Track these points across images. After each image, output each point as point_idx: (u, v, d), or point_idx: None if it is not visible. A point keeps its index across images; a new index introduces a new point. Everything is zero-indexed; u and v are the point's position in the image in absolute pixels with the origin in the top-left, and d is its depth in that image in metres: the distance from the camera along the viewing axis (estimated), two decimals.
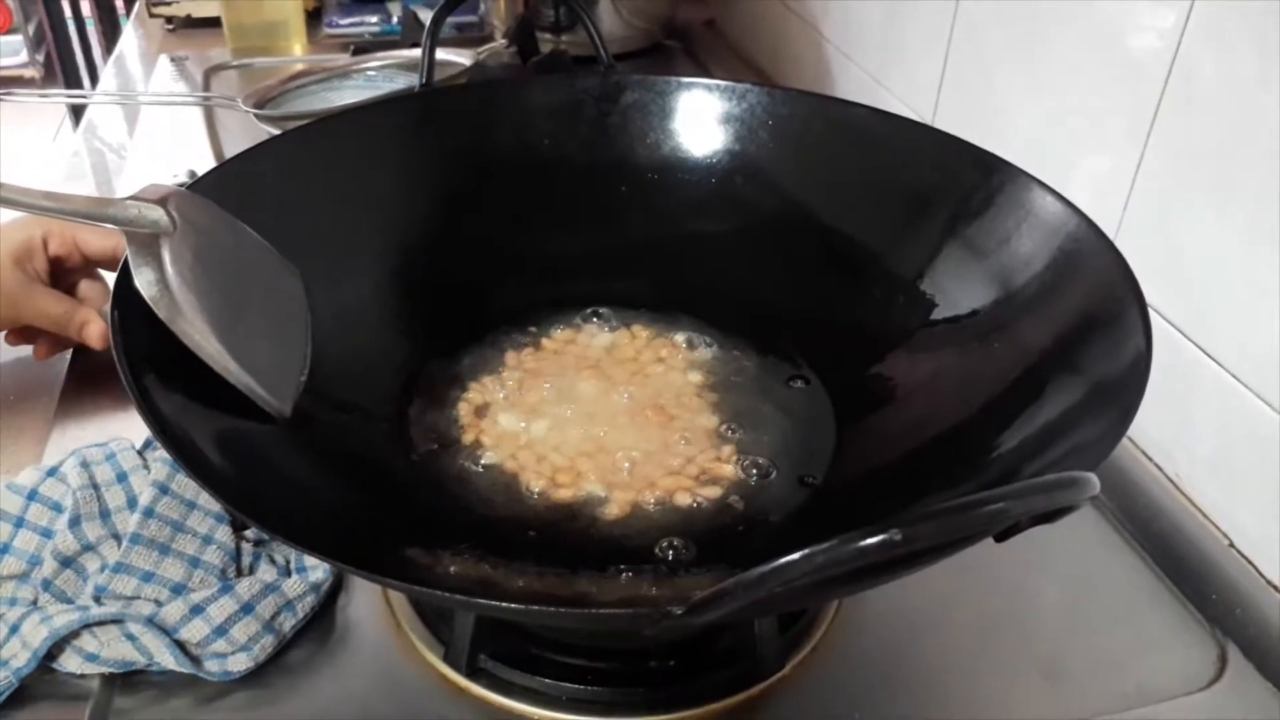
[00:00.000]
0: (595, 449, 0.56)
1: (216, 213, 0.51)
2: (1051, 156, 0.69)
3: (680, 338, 0.64)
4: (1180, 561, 0.59)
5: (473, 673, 0.51)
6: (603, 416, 0.58)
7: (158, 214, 0.46)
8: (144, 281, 0.46)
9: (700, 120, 0.68)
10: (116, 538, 0.54)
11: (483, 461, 0.56)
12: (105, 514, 0.54)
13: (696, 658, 0.52)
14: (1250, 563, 0.58)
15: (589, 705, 0.50)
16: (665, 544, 0.51)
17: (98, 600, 0.51)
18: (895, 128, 0.63)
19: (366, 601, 0.55)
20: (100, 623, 0.50)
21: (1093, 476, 0.31)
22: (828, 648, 0.54)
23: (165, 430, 0.41)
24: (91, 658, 0.50)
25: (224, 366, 0.47)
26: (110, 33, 1.93)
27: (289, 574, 0.54)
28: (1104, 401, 0.43)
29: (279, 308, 0.54)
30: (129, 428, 0.59)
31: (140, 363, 0.44)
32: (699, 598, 0.33)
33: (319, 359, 0.54)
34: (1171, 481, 0.63)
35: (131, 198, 0.47)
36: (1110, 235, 0.51)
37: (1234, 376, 0.57)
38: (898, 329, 0.58)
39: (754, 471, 0.55)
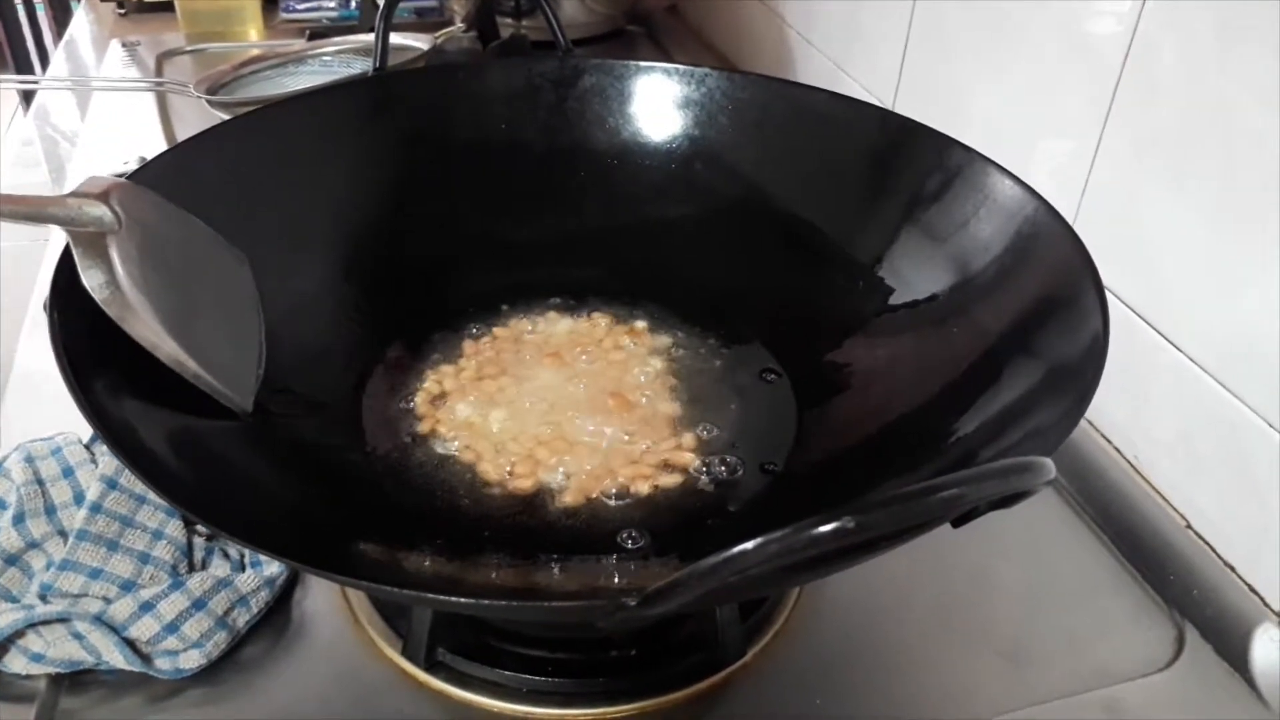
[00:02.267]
0: (554, 437, 0.56)
1: (160, 203, 0.50)
2: (1012, 140, 0.69)
3: (640, 324, 0.64)
4: (1139, 543, 0.60)
5: (431, 666, 0.51)
6: (562, 405, 0.58)
7: (100, 210, 0.44)
8: (93, 283, 0.44)
9: (659, 105, 0.67)
10: (63, 534, 0.52)
11: (440, 452, 0.55)
12: (51, 510, 0.53)
13: (658, 647, 0.51)
14: (1208, 544, 0.58)
15: (549, 697, 0.50)
16: (625, 534, 0.51)
17: (43, 598, 0.50)
18: (855, 112, 0.63)
19: (323, 595, 0.54)
20: (46, 621, 0.49)
21: (1048, 462, 0.31)
22: (789, 634, 0.54)
23: (107, 427, 0.40)
24: (37, 658, 0.49)
25: (180, 364, 0.46)
26: (61, 16, 1.89)
27: (243, 568, 0.53)
28: (1061, 385, 0.43)
29: (231, 299, 0.53)
30: (75, 421, 0.57)
31: (81, 359, 0.43)
32: (653, 589, 0.32)
33: (272, 349, 0.53)
34: (1130, 464, 0.63)
35: (72, 194, 0.45)
36: (1069, 219, 0.51)
37: (1192, 360, 0.58)
38: (856, 314, 0.58)
39: (715, 459, 0.55)
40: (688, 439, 0.56)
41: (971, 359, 0.50)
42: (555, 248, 0.67)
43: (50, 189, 1.09)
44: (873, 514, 0.29)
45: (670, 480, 0.54)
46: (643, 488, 0.53)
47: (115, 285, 0.44)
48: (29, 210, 0.44)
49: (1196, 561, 0.57)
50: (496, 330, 0.63)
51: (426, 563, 0.47)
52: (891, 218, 0.58)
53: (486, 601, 0.40)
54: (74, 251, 0.44)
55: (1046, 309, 0.48)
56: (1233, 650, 0.54)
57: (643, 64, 0.67)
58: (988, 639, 0.55)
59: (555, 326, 0.64)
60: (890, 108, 0.85)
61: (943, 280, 0.55)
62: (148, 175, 0.54)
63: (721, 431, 0.57)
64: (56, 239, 0.80)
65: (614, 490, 0.53)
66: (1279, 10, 0.49)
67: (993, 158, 0.55)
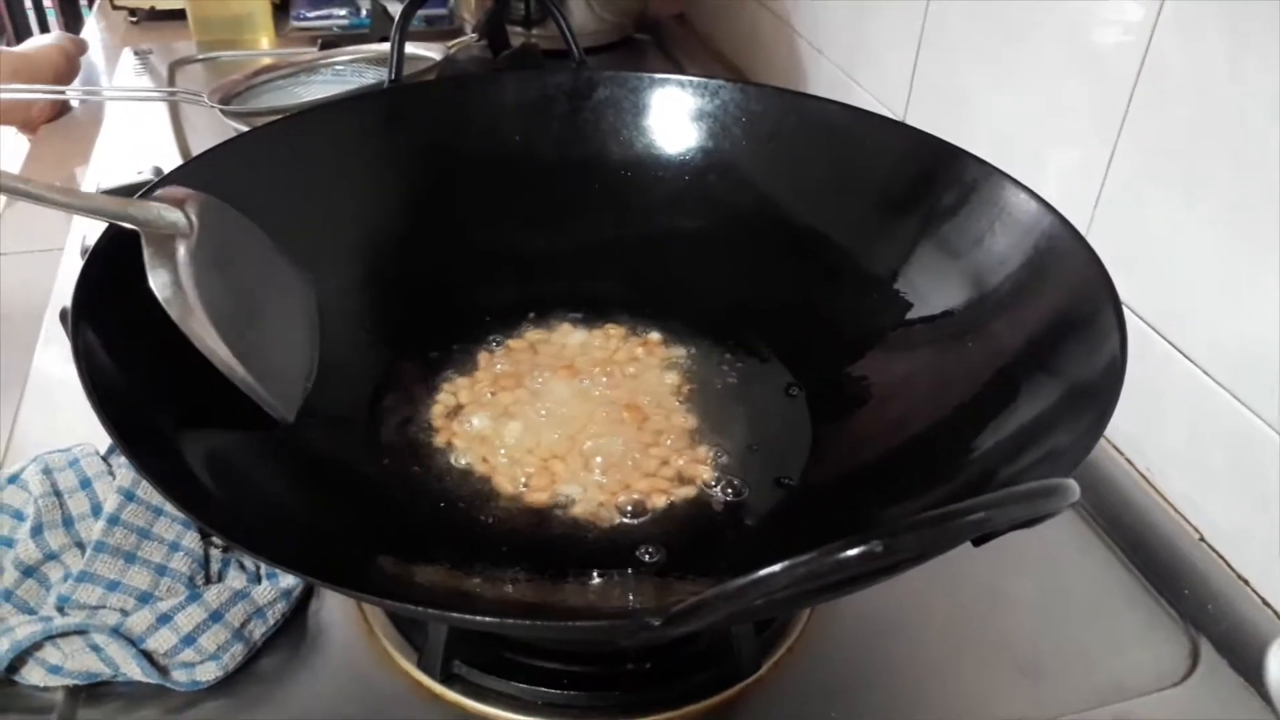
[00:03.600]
0: (569, 450, 0.56)
1: (235, 217, 0.51)
2: (1024, 152, 0.69)
3: (655, 336, 0.64)
4: (1152, 556, 0.60)
5: (447, 678, 0.51)
6: (577, 418, 0.58)
7: (176, 216, 0.47)
8: (158, 283, 0.46)
9: (673, 117, 0.67)
10: (80, 546, 0.53)
11: (455, 465, 0.55)
12: (68, 521, 0.53)
13: (673, 660, 0.51)
14: (1221, 557, 0.58)
15: (565, 709, 0.50)
16: (642, 549, 0.51)
17: (61, 610, 0.50)
18: (868, 125, 0.63)
19: (339, 608, 0.55)
20: (64, 633, 0.49)
21: (1073, 484, 0.31)
22: (804, 648, 0.54)
23: (126, 439, 0.40)
24: (55, 670, 0.49)
25: (231, 369, 0.47)
26: (72, 25, 1.90)
27: (259, 580, 0.53)
28: (1079, 405, 0.43)
29: (289, 313, 0.54)
30: (92, 432, 0.57)
31: (101, 371, 0.43)
32: (677, 609, 0.32)
33: None
34: (1143, 476, 0.63)
35: (152, 198, 0.47)
36: (1082, 230, 0.51)
37: (1204, 372, 0.58)
38: (873, 329, 0.58)
39: (730, 473, 0.55)
40: (702, 452, 0.56)
41: (988, 376, 0.50)
42: (569, 260, 0.67)
43: None
44: (901, 538, 0.29)
45: (685, 493, 0.54)
46: (658, 501, 0.53)
47: (179, 286, 0.46)
48: (113, 210, 0.46)
49: (1210, 575, 0.57)
50: (511, 342, 0.63)
51: (443, 577, 0.47)
52: (907, 232, 0.58)
53: (510, 620, 0.40)
54: (145, 251, 0.46)
55: (1064, 327, 0.48)
56: (1247, 664, 0.54)
57: (657, 76, 0.67)
58: (1002, 653, 0.55)
59: (569, 339, 0.64)
60: (901, 118, 0.85)
61: (959, 296, 0.55)
62: (169, 183, 0.54)
63: (737, 445, 0.57)
64: (70, 250, 0.81)
65: (630, 504, 0.53)
66: None
67: (1005, 169, 0.55)
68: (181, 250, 0.46)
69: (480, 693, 0.50)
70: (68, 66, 1.08)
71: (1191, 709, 0.52)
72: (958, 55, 0.77)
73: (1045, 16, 0.67)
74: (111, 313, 0.46)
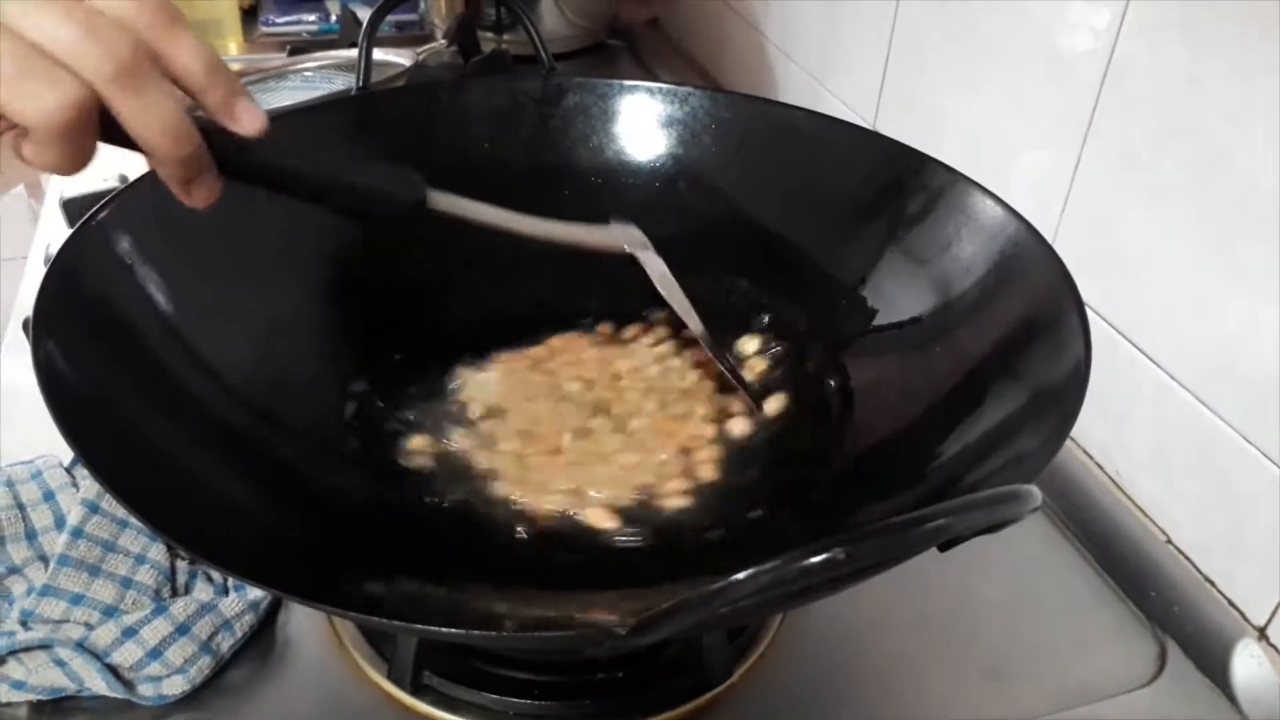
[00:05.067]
0: (539, 459, 0.55)
1: None
2: (992, 157, 0.70)
3: (625, 345, 0.64)
4: (1120, 559, 0.60)
5: (417, 690, 0.50)
6: (548, 427, 0.58)
7: None
8: None
9: (643, 123, 0.67)
10: (44, 559, 0.52)
11: (424, 476, 0.55)
12: (31, 535, 0.53)
13: (644, 669, 0.52)
14: (1188, 559, 0.59)
15: (536, 719, 0.50)
16: (610, 558, 0.51)
17: (24, 625, 0.50)
18: (836, 131, 0.63)
19: (308, 619, 0.54)
20: (27, 648, 0.49)
21: (1034, 490, 0.31)
22: (775, 655, 0.54)
23: (88, 451, 0.40)
24: (18, 685, 0.48)
25: None
26: None
27: (226, 592, 0.53)
28: (1044, 409, 0.43)
29: None
30: (57, 444, 0.57)
31: (62, 383, 0.42)
32: (644, 618, 0.32)
33: (255, 372, 0.53)
34: (1111, 479, 0.64)
35: None
36: (1049, 236, 0.51)
37: (1171, 376, 0.58)
38: (839, 335, 0.58)
39: (698, 480, 0.55)
40: (670, 460, 0.56)
41: (955, 381, 0.50)
42: (539, 267, 0.67)
43: (28, 201, 1.08)
44: (862, 545, 0.29)
45: (654, 503, 0.54)
46: (629, 510, 0.53)
47: None
48: None
49: (1177, 577, 0.58)
50: (480, 352, 0.63)
51: (411, 588, 0.47)
52: (874, 238, 0.59)
53: (478, 632, 0.40)
54: None
55: (1029, 332, 0.48)
56: (1213, 666, 0.54)
57: (626, 83, 0.67)
58: (971, 657, 0.55)
59: (540, 348, 0.63)
60: (871, 124, 0.85)
61: (926, 302, 0.55)
62: (131, 195, 0.53)
63: (705, 452, 0.57)
64: (35, 258, 0.80)
65: (597, 513, 0.53)
66: (1252, 33, 0.50)
67: (973, 174, 0.55)
68: None
69: (451, 704, 0.50)
70: None
71: (1159, 710, 0.53)
72: (927, 61, 0.78)
73: (1013, 22, 0.67)
74: (73, 323, 0.45)
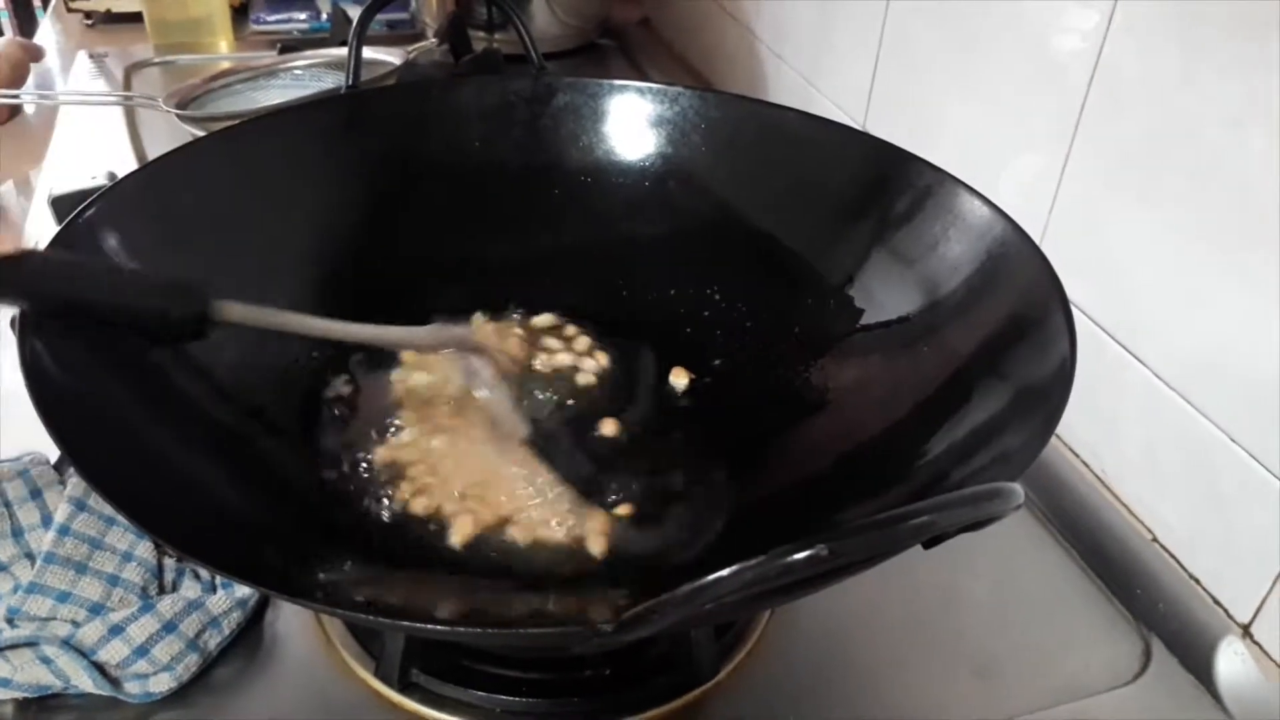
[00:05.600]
0: (524, 461, 0.55)
1: None
2: (980, 158, 0.70)
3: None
4: (1106, 557, 0.61)
5: (405, 687, 0.50)
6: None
7: None
8: None
9: (633, 123, 0.67)
10: (30, 557, 0.52)
11: (410, 473, 0.55)
12: (18, 532, 0.53)
13: (632, 666, 0.52)
14: (1174, 557, 0.59)
15: (524, 717, 0.50)
16: (594, 554, 0.51)
17: (10, 623, 0.50)
18: (824, 131, 0.63)
19: (295, 617, 0.54)
20: (13, 646, 0.48)
21: (1017, 487, 0.31)
22: (762, 652, 0.54)
23: (75, 448, 0.40)
24: (4, 682, 0.48)
25: None
26: (26, 28, 1.87)
27: (214, 590, 0.53)
28: (1029, 407, 0.43)
29: None
30: (42, 442, 0.57)
31: (48, 379, 0.42)
32: (629, 615, 0.32)
33: (244, 370, 0.53)
34: (1098, 478, 0.64)
35: None
36: (1037, 237, 0.52)
37: (1158, 376, 0.58)
38: (827, 335, 0.58)
39: (683, 479, 0.55)
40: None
41: (941, 380, 0.50)
42: (529, 266, 0.67)
43: (15, 201, 1.08)
44: (846, 542, 0.29)
45: (637, 502, 0.54)
46: (616, 510, 0.53)
47: None
48: None
49: (1163, 575, 0.58)
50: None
51: (399, 585, 0.47)
52: (862, 238, 0.59)
53: (464, 629, 0.40)
54: None
55: (1015, 331, 0.48)
56: (1198, 663, 0.55)
57: (616, 82, 0.67)
58: (957, 654, 0.55)
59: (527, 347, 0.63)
60: (861, 124, 0.86)
61: (913, 301, 0.55)
62: (119, 193, 0.53)
63: (690, 452, 0.57)
64: None
65: (580, 512, 0.53)
66: (1240, 33, 0.50)
67: (962, 175, 0.55)
68: None
69: (439, 701, 0.50)
70: (13, 74, 1.05)
71: (1144, 708, 0.53)
72: (917, 62, 0.78)
73: (1002, 22, 0.67)
74: (60, 320, 0.45)
